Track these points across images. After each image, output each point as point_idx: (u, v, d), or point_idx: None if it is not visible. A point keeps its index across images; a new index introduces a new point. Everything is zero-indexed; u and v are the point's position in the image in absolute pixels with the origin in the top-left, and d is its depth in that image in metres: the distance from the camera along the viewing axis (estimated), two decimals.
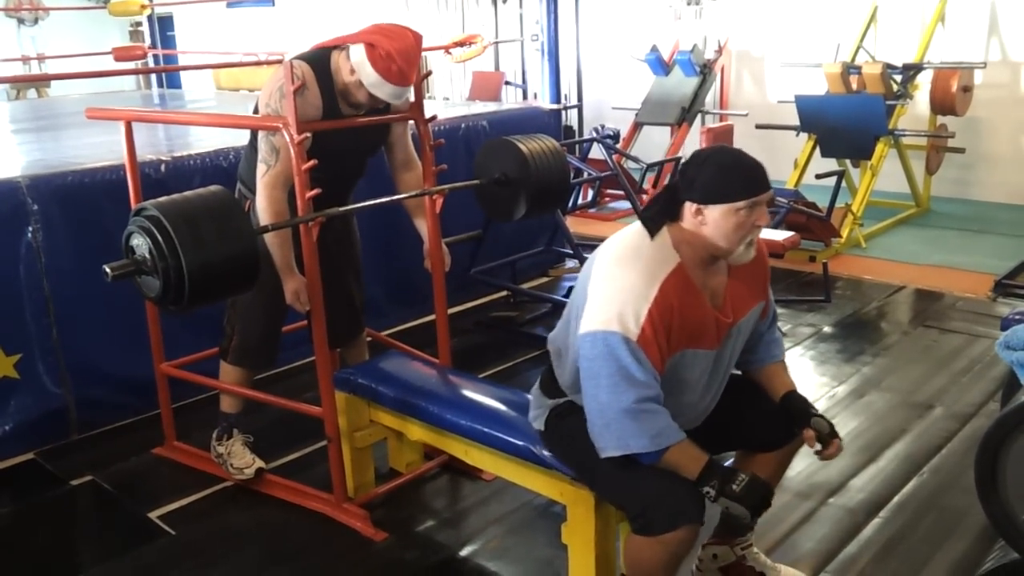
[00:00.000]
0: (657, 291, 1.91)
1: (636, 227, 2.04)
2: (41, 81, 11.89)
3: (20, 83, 11.89)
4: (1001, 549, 2.54)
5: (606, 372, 1.90)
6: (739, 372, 2.33)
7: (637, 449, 1.91)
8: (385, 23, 2.64)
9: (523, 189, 2.95)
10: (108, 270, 2.16)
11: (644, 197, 6.21)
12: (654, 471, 1.95)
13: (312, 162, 2.48)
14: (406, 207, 3.04)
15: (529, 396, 2.37)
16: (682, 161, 2.01)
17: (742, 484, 1.91)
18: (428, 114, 2.90)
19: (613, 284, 1.94)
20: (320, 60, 2.66)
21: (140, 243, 2.18)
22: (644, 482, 1.95)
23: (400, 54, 2.54)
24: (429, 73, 2.89)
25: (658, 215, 2.00)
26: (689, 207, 1.95)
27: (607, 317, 1.90)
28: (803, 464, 3.06)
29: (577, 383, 2.05)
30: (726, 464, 1.99)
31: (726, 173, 1.92)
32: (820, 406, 3.53)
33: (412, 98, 2.80)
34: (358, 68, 2.58)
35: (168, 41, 12.78)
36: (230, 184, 2.69)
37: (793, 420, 2.16)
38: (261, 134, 2.66)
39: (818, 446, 2.12)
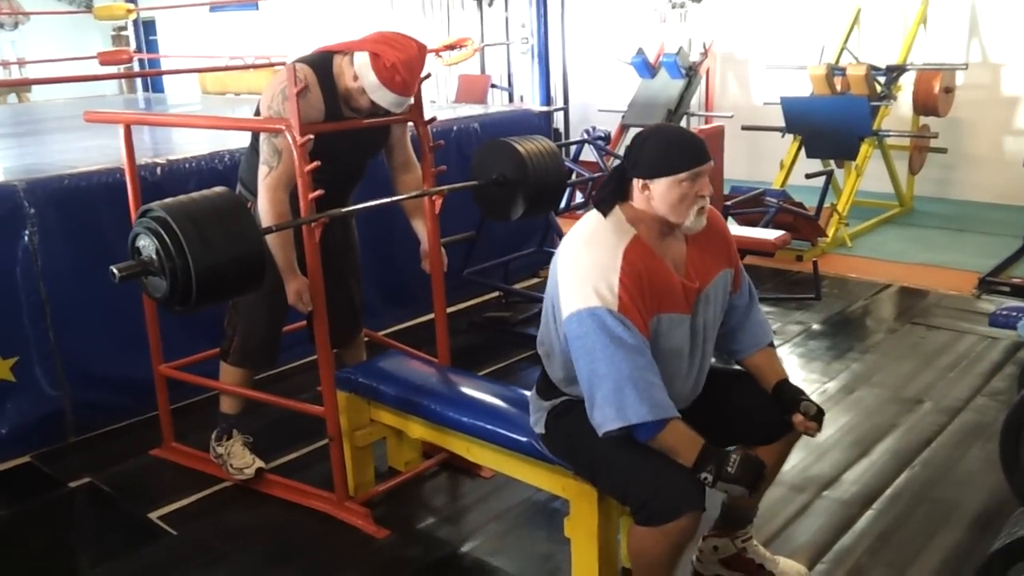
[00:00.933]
0: (621, 260, 2.00)
1: (590, 213, 2.15)
2: (22, 86, 11.83)
3: (1, 88, 11.82)
4: (1012, 523, 2.59)
5: (600, 344, 1.96)
6: (730, 368, 2.38)
7: (635, 419, 1.94)
8: (389, 32, 2.67)
9: (521, 190, 2.99)
10: (115, 271, 2.17)
11: None
12: (654, 462, 1.99)
13: (315, 163, 2.51)
14: (404, 208, 3.07)
15: (528, 394, 2.40)
16: (628, 146, 2.12)
17: (735, 464, 1.95)
18: (427, 116, 2.93)
19: (580, 265, 2.03)
20: (322, 63, 2.69)
21: (147, 244, 2.19)
22: (645, 473, 1.99)
23: (404, 65, 2.57)
24: (428, 75, 2.92)
25: (609, 196, 2.10)
26: (636, 184, 2.05)
27: (585, 294, 1.98)
28: (797, 458, 3.11)
29: (570, 375, 2.10)
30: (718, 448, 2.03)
31: (667, 148, 2.03)
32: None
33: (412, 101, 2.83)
34: (361, 75, 2.61)
35: (151, 45, 12.73)
36: (226, 186, 2.69)
37: (786, 411, 2.20)
38: (263, 136, 2.68)
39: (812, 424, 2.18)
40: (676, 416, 1.99)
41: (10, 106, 11.17)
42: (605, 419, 1.98)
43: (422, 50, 2.66)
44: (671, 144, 2.03)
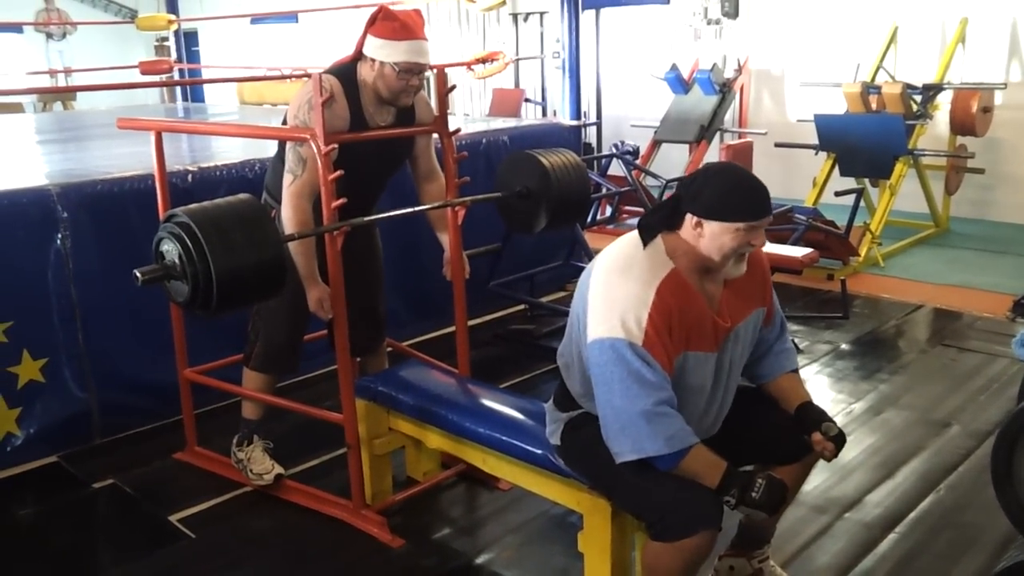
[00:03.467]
0: (654, 294, 1.96)
1: (630, 236, 2.09)
2: (67, 94, 12.09)
3: (47, 95, 12.09)
4: (1016, 547, 2.54)
5: (618, 377, 1.94)
6: (752, 385, 2.35)
7: (652, 452, 1.92)
8: None
9: (544, 202, 2.99)
10: (138, 275, 2.21)
11: None
12: (672, 479, 1.96)
13: (339, 172, 2.53)
14: (429, 219, 3.08)
15: (547, 406, 2.40)
16: (690, 176, 2.07)
17: (760, 489, 1.92)
18: (452, 128, 2.95)
19: (611, 292, 2.00)
20: (347, 73, 2.73)
21: (170, 249, 2.23)
22: (662, 489, 1.97)
23: (398, 12, 2.63)
24: (453, 87, 2.94)
25: (657, 223, 2.05)
26: (690, 219, 1.99)
27: (611, 324, 1.95)
28: (819, 478, 3.07)
29: (589, 391, 2.08)
30: (742, 470, 2.01)
31: (732, 192, 1.96)
32: (837, 422, 3.50)
33: (435, 77, 2.84)
34: (372, 52, 2.66)
35: (193, 56, 12.97)
36: (255, 194, 2.73)
37: (807, 431, 2.17)
38: (289, 145, 2.71)
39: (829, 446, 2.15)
40: (695, 443, 1.96)
41: (56, 113, 11.43)
42: (622, 449, 1.97)
43: (416, 9, 2.73)
44: (737, 188, 1.97)
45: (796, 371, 2.32)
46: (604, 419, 2.00)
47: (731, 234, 1.95)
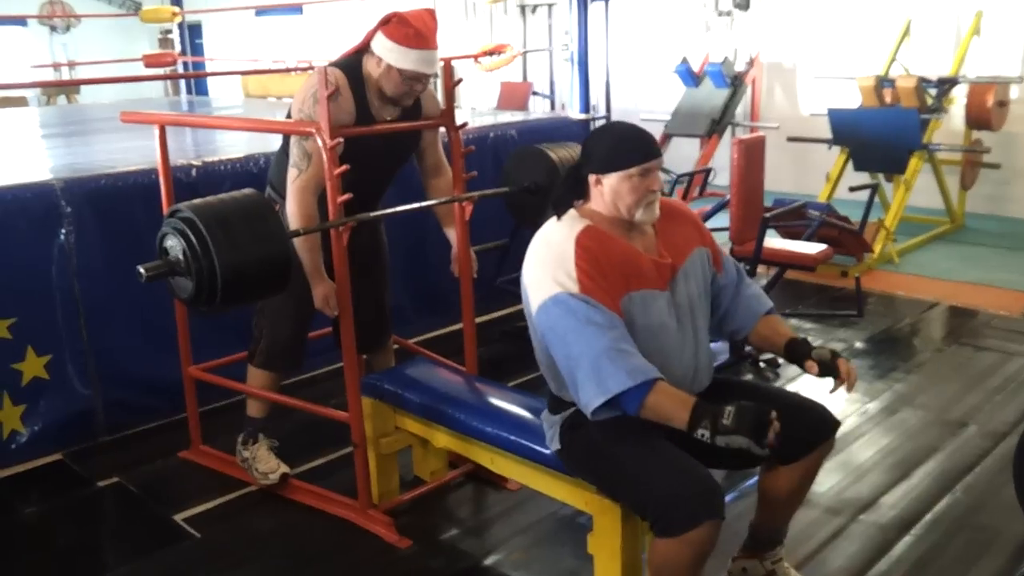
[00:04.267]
0: (573, 246, 2.04)
1: (547, 220, 2.19)
2: (71, 87, 12.09)
3: (51, 89, 12.09)
4: None
5: (569, 327, 1.98)
6: (752, 384, 2.30)
7: (616, 388, 1.93)
8: None
9: None
10: (142, 271, 2.18)
11: None
12: (670, 471, 1.94)
13: (344, 167, 2.49)
14: (436, 214, 3.04)
15: None
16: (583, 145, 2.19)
17: (731, 415, 1.89)
18: (459, 121, 2.91)
19: (538, 261, 2.10)
20: (353, 66, 2.68)
21: (174, 244, 2.19)
22: (662, 482, 1.95)
23: (412, 17, 2.59)
24: (460, 80, 2.89)
25: (565, 195, 2.16)
26: (592, 180, 2.11)
27: (546, 286, 2.03)
28: (833, 480, 3.02)
29: (554, 367, 2.10)
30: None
31: (618, 143, 2.09)
32: (851, 422, 3.49)
33: (442, 70, 2.81)
34: (381, 53, 2.62)
35: (197, 48, 12.94)
36: (259, 189, 2.69)
37: (808, 428, 2.15)
38: (293, 139, 2.67)
39: (832, 384, 2.15)
40: (658, 377, 1.96)
41: (59, 107, 11.43)
42: (589, 397, 1.97)
43: (431, 10, 2.68)
44: (622, 140, 2.10)
45: (771, 312, 2.32)
46: (568, 374, 2.01)
47: (627, 181, 2.06)
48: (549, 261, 2.06)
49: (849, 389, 2.16)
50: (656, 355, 2.03)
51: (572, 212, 2.14)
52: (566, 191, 2.16)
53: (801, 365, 2.17)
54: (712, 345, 2.34)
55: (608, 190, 2.08)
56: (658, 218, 2.15)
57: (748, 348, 4.00)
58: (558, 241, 2.08)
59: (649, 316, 2.08)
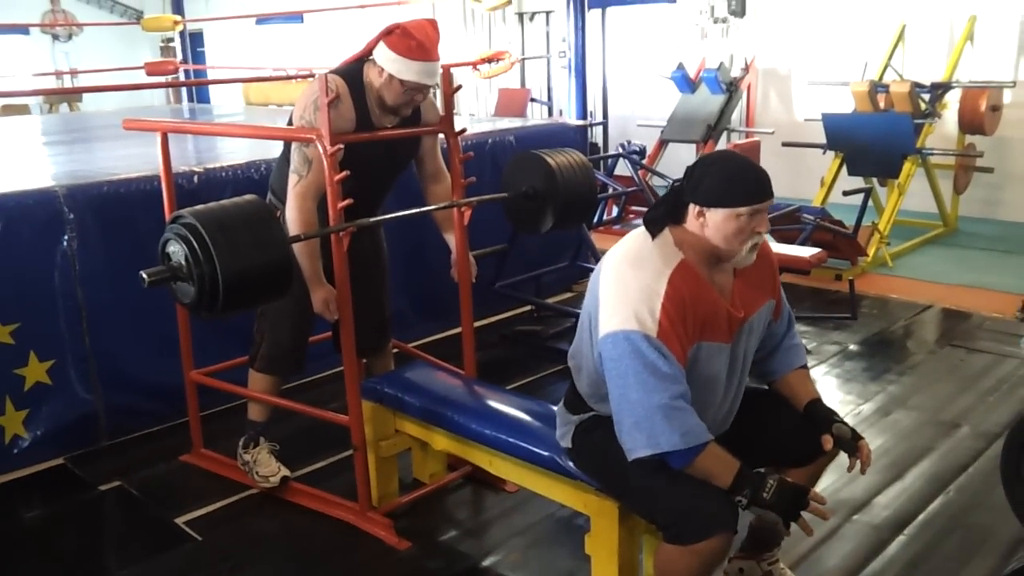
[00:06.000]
0: (666, 285, 1.95)
1: (638, 232, 2.09)
2: (73, 95, 12.13)
3: (53, 97, 12.13)
4: None
5: (633, 370, 1.91)
6: (765, 387, 2.33)
7: (667, 447, 1.90)
8: None
9: (550, 203, 2.98)
10: (145, 276, 2.21)
11: None
12: (687, 480, 1.95)
13: (344, 173, 2.52)
14: (435, 220, 3.08)
15: (554, 408, 2.38)
16: (689, 168, 2.07)
17: (771, 490, 1.91)
18: (457, 128, 2.94)
19: (623, 285, 1.98)
20: (353, 74, 2.72)
21: (176, 250, 2.22)
22: (677, 493, 1.95)
23: (415, 29, 2.62)
24: (459, 87, 2.93)
25: (661, 216, 2.05)
26: (692, 209, 1.99)
27: (624, 316, 1.93)
28: (828, 480, 3.04)
29: (598, 392, 2.07)
30: (755, 471, 1.99)
31: (731, 179, 1.96)
32: (846, 423, 3.51)
33: (441, 77, 2.83)
34: (383, 63, 2.65)
35: (198, 57, 12.98)
36: (261, 195, 2.73)
37: (817, 429, 2.16)
38: (294, 145, 2.71)
39: (848, 460, 2.13)
40: (709, 440, 1.94)
41: (62, 115, 11.47)
42: (635, 445, 1.94)
43: (432, 21, 2.71)
44: (736, 176, 1.97)
45: (805, 367, 2.30)
46: (618, 414, 1.97)
47: (734, 220, 1.95)
48: (635, 290, 1.96)
49: (863, 471, 2.13)
50: (699, 403, 1.98)
51: (667, 236, 2.03)
52: (661, 214, 2.04)
53: (819, 434, 2.12)
54: None
55: (711, 225, 1.97)
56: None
57: None
58: (650, 274, 1.97)
59: (708, 368, 2.04)
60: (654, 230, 2.04)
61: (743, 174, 1.98)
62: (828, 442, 2.11)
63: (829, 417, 2.16)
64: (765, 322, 2.19)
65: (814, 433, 2.16)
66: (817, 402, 2.21)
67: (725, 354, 2.07)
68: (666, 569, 2.00)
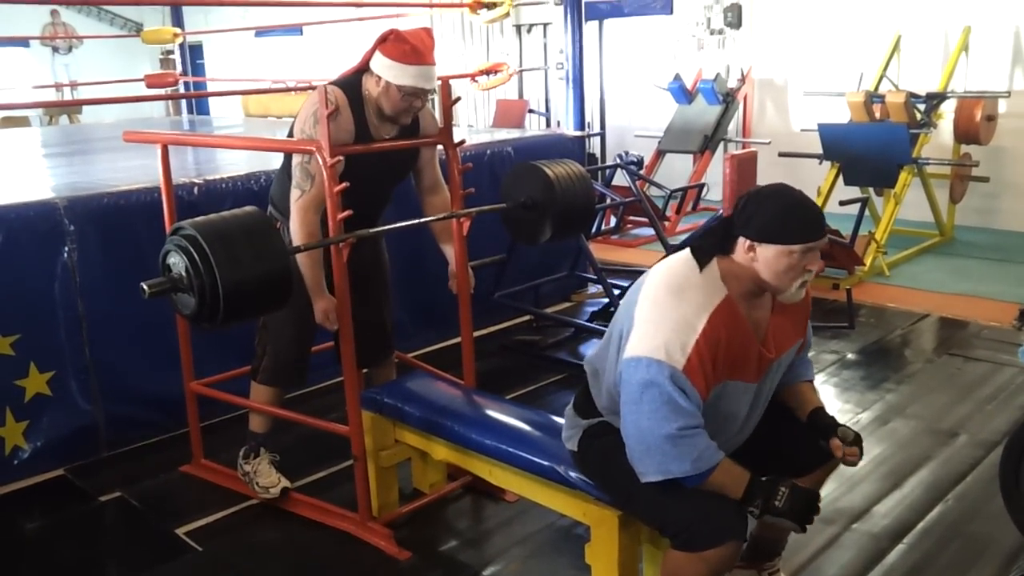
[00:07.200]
0: (706, 322, 1.92)
1: (685, 256, 2.04)
2: (73, 107, 12.16)
3: (53, 109, 12.16)
4: None
5: (648, 399, 1.89)
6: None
7: (679, 474, 1.90)
8: None
9: (549, 213, 2.99)
10: (145, 287, 2.22)
11: (666, 224, 6.21)
12: (697, 491, 1.95)
13: (344, 184, 2.54)
14: (433, 231, 3.09)
15: (553, 418, 2.39)
16: (741, 199, 2.03)
17: (784, 498, 1.92)
18: (456, 139, 2.96)
19: (661, 313, 1.95)
20: (352, 85, 2.74)
21: (176, 261, 2.23)
22: (687, 501, 1.95)
23: (409, 34, 2.65)
24: (458, 99, 2.95)
25: (710, 247, 2.01)
26: (743, 243, 1.95)
27: (654, 345, 1.90)
28: (827, 489, 3.03)
29: (613, 405, 2.07)
30: (765, 479, 1.99)
31: (785, 215, 1.92)
32: None
33: (438, 80, 2.83)
34: (379, 71, 2.68)
35: (198, 69, 13.02)
36: (260, 207, 2.74)
37: (822, 436, 2.17)
38: (295, 160, 2.72)
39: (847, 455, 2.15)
40: (720, 459, 1.93)
41: (62, 127, 11.50)
42: (647, 470, 1.94)
43: (427, 28, 2.74)
44: (791, 211, 1.93)
45: (811, 381, 2.32)
46: (628, 438, 1.96)
47: (786, 257, 1.91)
48: (673, 319, 1.92)
49: (848, 462, 2.15)
50: (713, 433, 1.97)
51: (713, 269, 1.99)
52: (710, 245, 2.01)
53: (825, 440, 2.14)
54: None
55: (762, 260, 1.93)
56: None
57: None
58: (692, 308, 1.93)
59: (730, 405, 2.04)
60: (702, 260, 2.00)
61: (798, 211, 1.94)
62: (839, 447, 2.11)
63: (833, 423, 2.17)
64: (791, 360, 2.20)
65: (817, 442, 2.17)
66: (820, 410, 2.22)
67: (750, 393, 2.07)
68: (673, 575, 2.00)
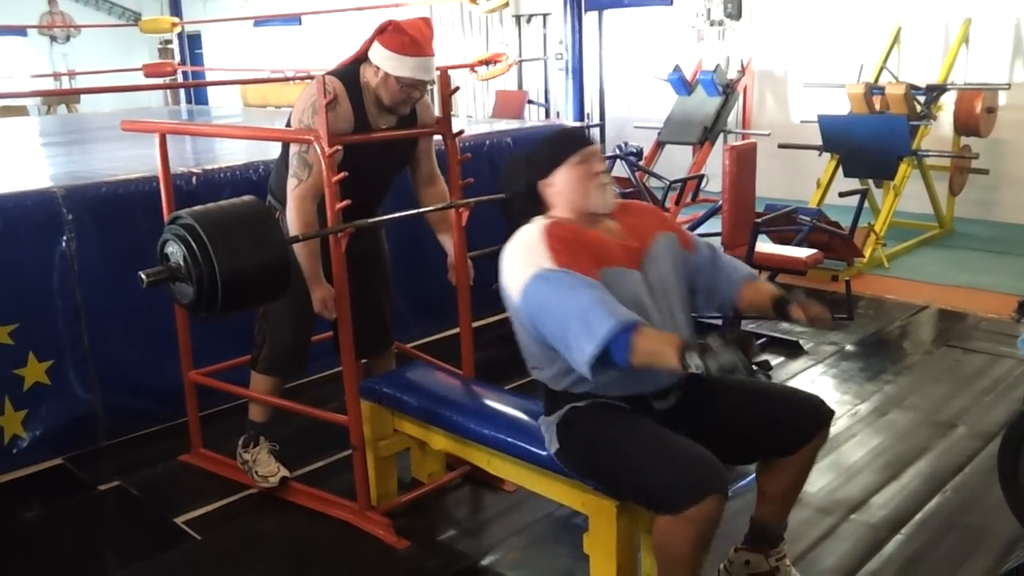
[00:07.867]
0: (545, 238, 2.12)
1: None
2: (71, 96, 12.14)
3: (51, 98, 12.13)
4: (1023, 548, 2.54)
5: (554, 296, 2.04)
6: (741, 380, 2.30)
7: (605, 332, 1.95)
8: None
9: None
10: (143, 276, 2.22)
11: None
12: (671, 451, 1.99)
13: (343, 174, 2.53)
14: (430, 222, 3.09)
15: None
16: (509, 164, 2.41)
17: (715, 339, 1.88)
18: (455, 129, 2.96)
19: (510, 260, 2.17)
20: (350, 75, 2.73)
21: (175, 251, 2.23)
22: (663, 463, 1.98)
23: (408, 25, 2.64)
24: (456, 89, 2.95)
25: (524, 212, 2.26)
26: (544, 187, 2.24)
27: (523, 272, 2.10)
28: (825, 480, 3.06)
29: (562, 368, 2.15)
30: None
31: (552, 142, 2.26)
32: (842, 423, 3.54)
33: (439, 79, 2.85)
34: (378, 62, 2.67)
35: (196, 59, 12.99)
36: (259, 196, 2.74)
37: (804, 419, 2.21)
38: (293, 150, 2.72)
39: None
40: (642, 321, 2.01)
41: (60, 116, 11.47)
42: (583, 352, 1.98)
43: (426, 19, 2.75)
44: (553, 139, 2.27)
45: (754, 278, 2.40)
46: (563, 343, 2.03)
47: (573, 171, 2.20)
48: (521, 253, 2.14)
49: (808, 323, 2.21)
50: None
51: (536, 219, 2.22)
52: (524, 209, 2.27)
53: (788, 316, 2.23)
54: None
55: (561, 187, 2.21)
56: (619, 214, 2.27)
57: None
58: (526, 235, 2.16)
59: (623, 291, 2.11)
60: (523, 223, 2.22)
61: (559, 134, 2.30)
62: (798, 311, 2.18)
63: (790, 298, 2.24)
64: (672, 252, 2.30)
65: (797, 423, 2.20)
66: (781, 297, 2.27)
67: (636, 278, 2.18)
68: (664, 542, 1.99)
